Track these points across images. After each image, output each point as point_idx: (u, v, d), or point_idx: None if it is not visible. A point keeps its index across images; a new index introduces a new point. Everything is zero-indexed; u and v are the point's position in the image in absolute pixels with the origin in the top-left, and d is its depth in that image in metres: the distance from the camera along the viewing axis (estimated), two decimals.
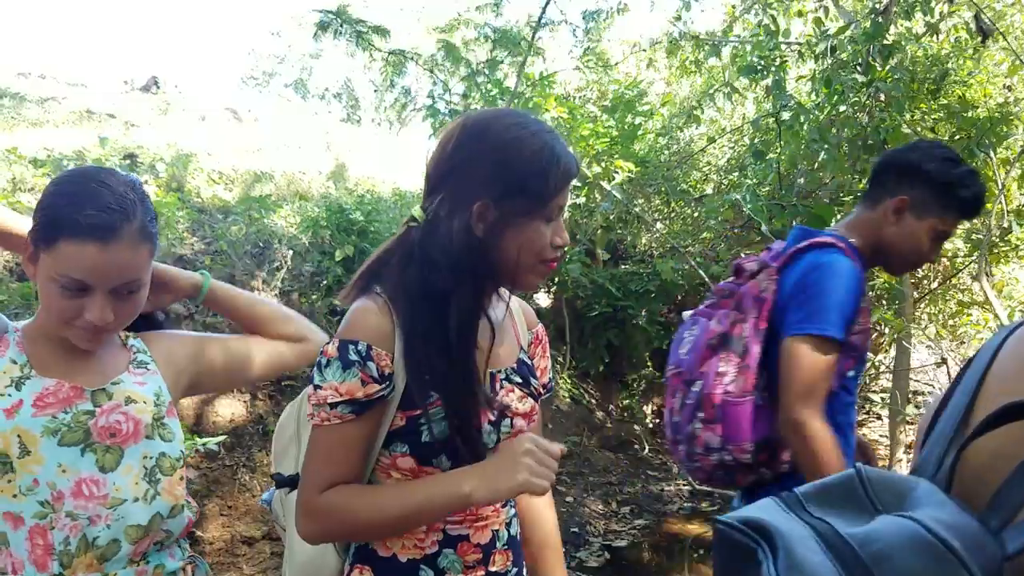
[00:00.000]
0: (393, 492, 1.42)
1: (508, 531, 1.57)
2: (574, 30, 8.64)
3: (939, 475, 0.72)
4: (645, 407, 7.87)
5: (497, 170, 1.40)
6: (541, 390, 1.63)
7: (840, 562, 0.63)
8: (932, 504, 0.66)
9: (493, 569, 1.53)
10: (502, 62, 7.67)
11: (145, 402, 1.51)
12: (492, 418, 1.47)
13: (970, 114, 5.13)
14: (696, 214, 7.72)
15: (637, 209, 7.61)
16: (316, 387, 1.38)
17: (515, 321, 1.62)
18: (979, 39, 4.78)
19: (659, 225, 7.86)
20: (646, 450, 7.26)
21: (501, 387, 1.52)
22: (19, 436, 1.37)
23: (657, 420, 8.03)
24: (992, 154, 5.01)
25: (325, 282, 6.34)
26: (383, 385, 1.38)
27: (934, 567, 0.60)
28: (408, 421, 1.41)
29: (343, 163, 9.76)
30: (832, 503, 0.70)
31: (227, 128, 11.10)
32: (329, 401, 1.36)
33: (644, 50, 8.11)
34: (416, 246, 1.43)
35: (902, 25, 5.61)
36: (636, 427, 7.41)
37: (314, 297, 6.15)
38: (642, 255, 8.06)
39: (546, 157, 1.41)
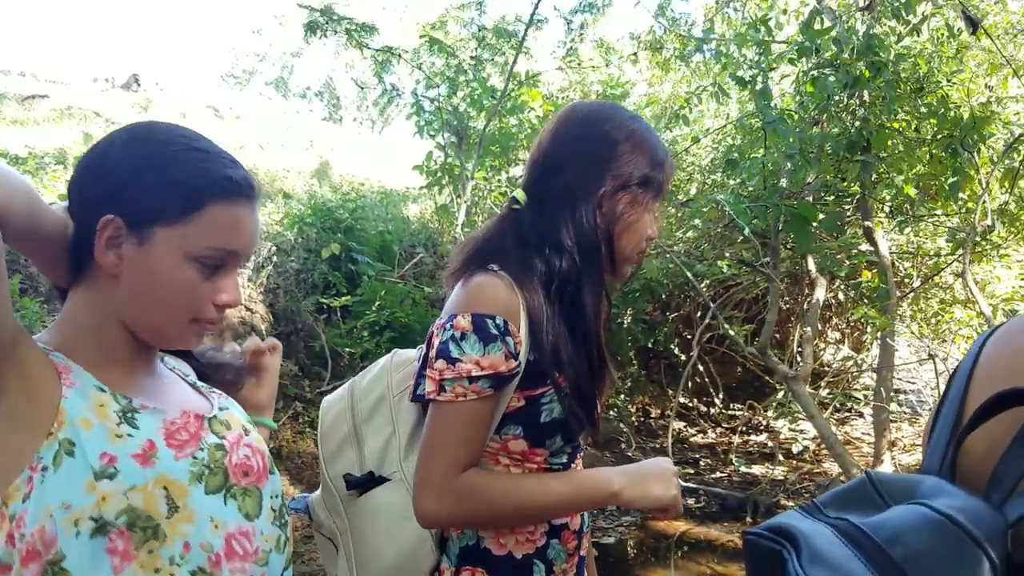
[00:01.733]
0: (536, 481, 1.41)
1: (586, 513, 1.60)
2: (568, 23, 8.67)
3: (943, 469, 0.76)
4: (631, 405, 7.89)
5: (622, 161, 1.44)
6: None
7: (858, 549, 0.68)
8: (941, 493, 0.70)
9: (582, 553, 1.56)
10: (488, 60, 7.68)
11: (255, 430, 1.25)
12: None
13: (953, 113, 5.17)
14: (680, 214, 7.74)
15: None
16: (452, 361, 1.34)
17: None
18: (969, 31, 4.81)
19: None
20: (632, 448, 7.28)
21: None
22: (165, 488, 1.01)
23: (642, 418, 8.06)
24: (975, 154, 5.06)
25: (311, 280, 6.31)
26: (519, 362, 1.37)
27: (943, 541, 0.64)
28: (527, 401, 1.40)
29: (327, 161, 9.74)
30: (848, 505, 0.75)
31: (208, 126, 11.05)
32: (472, 374, 1.33)
33: (634, 52, 8.12)
34: (528, 228, 1.45)
35: (886, 25, 5.65)
36: (622, 425, 7.42)
37: (300, 295, 6.12)
38: None
39: (662, 150, 1.49)
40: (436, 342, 1.38)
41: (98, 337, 1.10)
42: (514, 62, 7.07)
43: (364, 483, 1.50)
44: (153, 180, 1.05)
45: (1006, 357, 0.79)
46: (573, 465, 1.56)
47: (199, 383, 1.28)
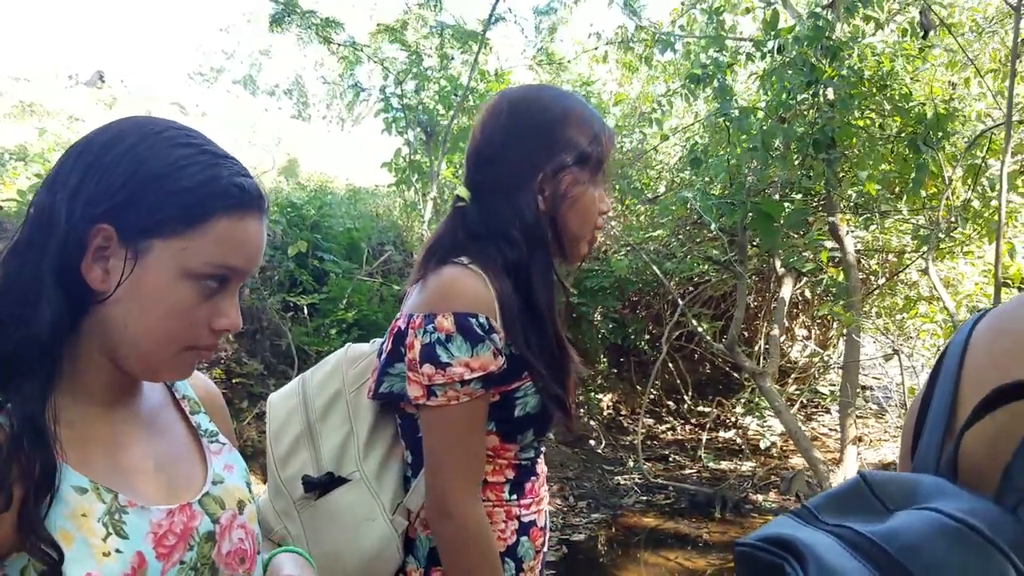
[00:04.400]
0: None
1: (547, 511, 1.60)
2: (522, 29, 8.67)
3: (941, 467, 0.72)
4: (600, 403, 7.90)
5: (556, 143, 1.42)
6: None
7: (871, 562, 0.62)
8: (943, 495, 0.66)
9: (544, 550, 1.55)
10: (452, 58, 7.66)
11: (250, 502, 1.10)
12: None
13: (916, 110, 5.22)
14: (650, 211, 7.77)
15: None
16: (442, 365, 1.31)
17: None
18: (921, 35, 4.89)
19: (613, 222, 7.90)
20: (602, 445, 7.29)
21: None
22: None
23: (612, 415, 8.07)
24: (939, 151, 5.11)
25: (277, 277, 6.25)
26: (505, 357, 1.36)
27: (964, 549, 0.60)
28: (502, 396, 1.39)
29: (295, 158, 9.67)
30: (844, 510, 0.70)
31: None
32: (464, 378, 1.31)
33: (595, 48, 8.13)
34: (474, 222, 1.44)
35: (851, 23, 5.69)
36: (592, 422, 7.43)
37: (265, 293, 6.06)
38: (597, 252, 8.09)
39: (596, 123, 1.46)
40: (417, 344, 1.34)
41: (77, 373, 0.96)
42: (475, 58, 7.06)
43: (323, 485, 1.44)
44: (157, 186, 0.92)
45: (999, 344, 0.76)
46: (537, 462, 1.54)
47: (199, 421, 1.12)
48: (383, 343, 1.48)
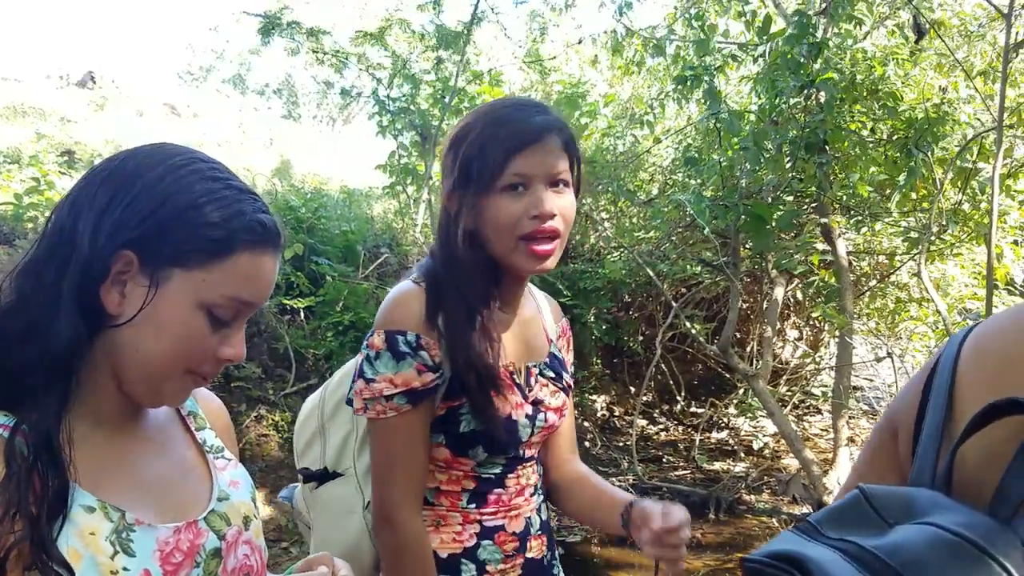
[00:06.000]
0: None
1: (540, 517, 1.60)
2: (505, 30, 8.70)
3: (936, 481, 0.75)
4: (594, 404, 7.93)
5: (450, 162, 1.46)
6: (571, 384, 1.66)
7: None
8: (940, 508, 0.69)
9: (530, 555, 1.56)
10: (443, 60, 7.67)
11: (256, 517, 1.13)
12: (528, 412, 1.50)
13: (907, 114, 5.26)
14: (642, 213, 7.80)
15: (585, 208, 7.65)
16: (368, 380, 1.38)
17: (542, 314, 1.67)
18: (915, 39, 4.93)
19: (607, 224, 7.93)
20: (597, 446, 7.32)
21: (536, 381, 1.55)
22: None
23: (607, 416, 8.10)
24: (930, 155, 5.16)
25: None
26: (438, 373, 1.39)
27: (962, 562, 0.63)
28: (448, 411, 1.43)
29: (288, 159, 9.65)
30: (846, 524, 0.73)
31: (166, 123, 10.92)
32: (385, 393, 1.36)
33: (579, 41, 8.15)
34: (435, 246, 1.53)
35: (842, 28, 5.73)
36: (586, 423, 7.46)
37: None
38: (590, 253, 8.12)
39: (488, 132, 1.41)
40: (360, 359, 1.43)
41: (86, 393, 0.97)
42: (461, 59, 7.08)
43: (318, 478, 1.57)
44: (185, 218, 0.94)
45: (988, 361, 0.78)
46: (514, 476, 1.54)
47: (205, 437, 1.13)
48: None
